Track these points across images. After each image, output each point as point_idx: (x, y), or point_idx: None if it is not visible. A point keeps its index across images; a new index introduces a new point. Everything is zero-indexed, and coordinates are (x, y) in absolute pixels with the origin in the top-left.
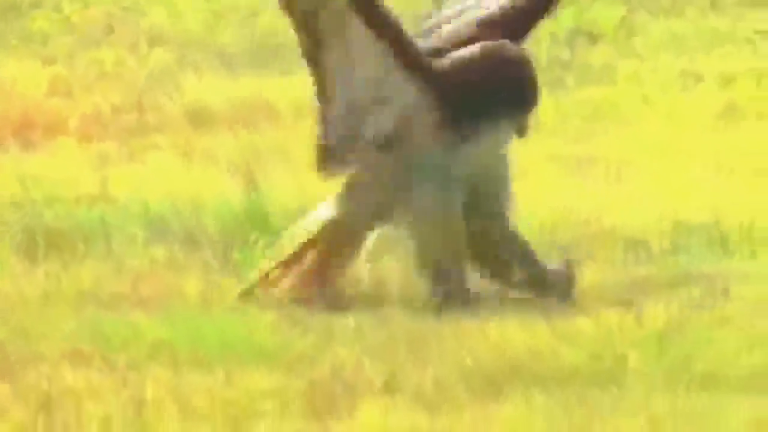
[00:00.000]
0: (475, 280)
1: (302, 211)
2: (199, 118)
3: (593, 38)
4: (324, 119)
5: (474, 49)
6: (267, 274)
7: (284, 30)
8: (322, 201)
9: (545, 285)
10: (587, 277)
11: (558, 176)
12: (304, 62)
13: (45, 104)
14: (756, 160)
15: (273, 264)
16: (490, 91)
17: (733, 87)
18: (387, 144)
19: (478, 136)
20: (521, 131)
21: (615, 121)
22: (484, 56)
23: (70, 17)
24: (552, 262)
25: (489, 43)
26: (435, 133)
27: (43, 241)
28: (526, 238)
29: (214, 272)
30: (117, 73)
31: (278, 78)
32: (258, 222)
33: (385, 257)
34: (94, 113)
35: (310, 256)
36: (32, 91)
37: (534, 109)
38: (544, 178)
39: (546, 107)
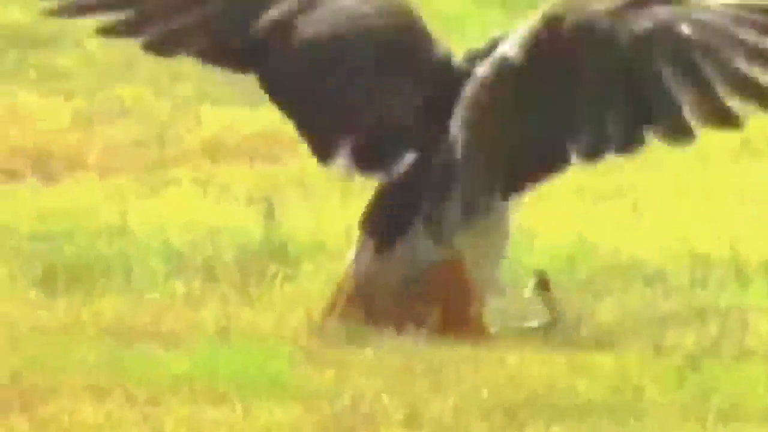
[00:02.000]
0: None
1: (320, 244)
2: (218, 151)
3: None
4: None
5: None
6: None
7: None
8: (340, 232)
9: None
10: (605, 310)
11: (579, 208)
12: None
13: (65, 138)
14: None
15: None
16: None
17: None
18: None
19: None
20: None
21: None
22: None
23: (94, 54)
24: (570, 296)
25: None
26: None
27: (63, 275)
28: (546, 269)
29: (232, 305)
30: (137, 107)
31: None
32: (276, 254)
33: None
34: (113, 147)
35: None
36: (52, 125)
37: None
38: (565, 210)
39: None
